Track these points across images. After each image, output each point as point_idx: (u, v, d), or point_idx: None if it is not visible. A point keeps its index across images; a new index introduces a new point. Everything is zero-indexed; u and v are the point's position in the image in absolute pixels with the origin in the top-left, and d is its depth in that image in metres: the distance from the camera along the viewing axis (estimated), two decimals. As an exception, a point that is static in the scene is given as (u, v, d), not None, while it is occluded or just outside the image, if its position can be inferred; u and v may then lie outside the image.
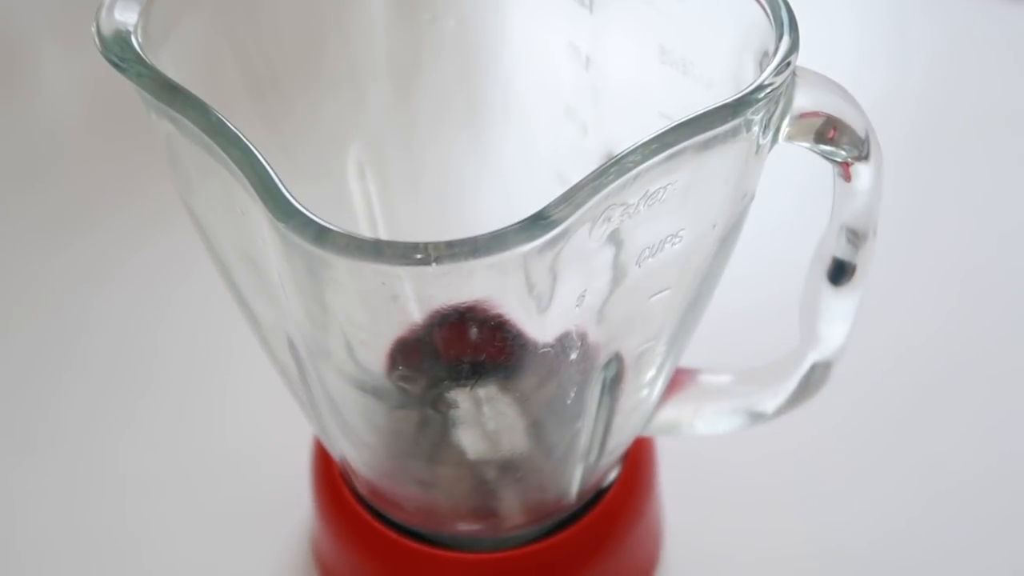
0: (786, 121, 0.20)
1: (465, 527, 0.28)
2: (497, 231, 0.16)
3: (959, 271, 0.43)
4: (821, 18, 0.56)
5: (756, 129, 0.19)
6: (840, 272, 0.24)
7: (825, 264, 0.24)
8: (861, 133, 0.21)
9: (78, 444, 0.36)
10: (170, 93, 0.18)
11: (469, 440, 0.25)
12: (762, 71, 0.18)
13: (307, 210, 0.16)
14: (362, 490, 0.28)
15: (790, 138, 0.21)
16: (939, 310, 0.41)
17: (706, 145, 0.18)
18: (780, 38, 0.19)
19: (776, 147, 0.21)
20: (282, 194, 0.16)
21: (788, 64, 0.19)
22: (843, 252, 0.24)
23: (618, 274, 0.20)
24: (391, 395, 0.24)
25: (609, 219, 0.18)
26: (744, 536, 0.33)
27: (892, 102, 0.51)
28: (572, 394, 0.24)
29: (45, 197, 0.46)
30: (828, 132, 0.21)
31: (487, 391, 0.24)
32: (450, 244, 0.16)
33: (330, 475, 0.29)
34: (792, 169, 0.29)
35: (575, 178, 0.17)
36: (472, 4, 0.28)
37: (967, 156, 0.49)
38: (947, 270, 0.43)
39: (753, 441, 0.31)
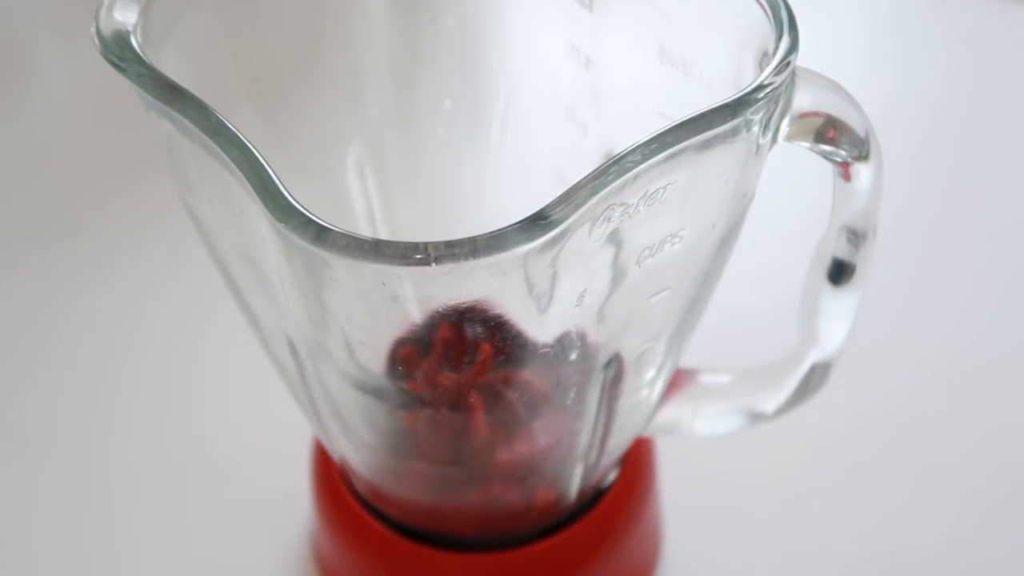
0: (786, 121, 0.20)
1: (465, 527, 0.28)
2: (497, 231, 0.16)
3: (961, 271, 0.43)
4: (825, 20, 0.56)
5: (756, 129, 0.19)
6: (840, 272, 0.24)
7: (825, 264, 0.24)
8: (861, 133, 0.21)
9: (77, 444, 0.36)
10: (170, 93, 0.18)
11: (468, 440, 0.25)
12: (762, 71, 0.18)
13: (306, 210, 0.16)
14: (362, 490, 0.28)
15: (790, 138, 0.21)
16: (940, 310, 0.41)
17: (706, 145, 0.18)
18: (780, 38, 0.19)
19: (776, 147, 0.21)
20: (281, 194, 0.16)
21: (788, 64, 0.19)
22: (843, 252, 0.24)
23: (618, 274, 0.20)
24: (391, 395, 0.24)
25: (609, 219, 0.18)
26: (744, 536, 0.33)
27: (895, 102, 0.51)
28: (572, 394, 0.24)
29: (44, 196, 0.46)
30: (828, 132, 0.21)
31: (487, 391, 0.24)
32: (450, 244, 0.16)
33: (330, 475, 0.29)
34: (792, 169, 0.29)
35: (575, 178, 0.17)
36: (472, 4, 0.28)
37: (971, 156, 0.49)
38: (949, 270, 0.43)
39: (753, 441, 0.31)
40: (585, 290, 0.20)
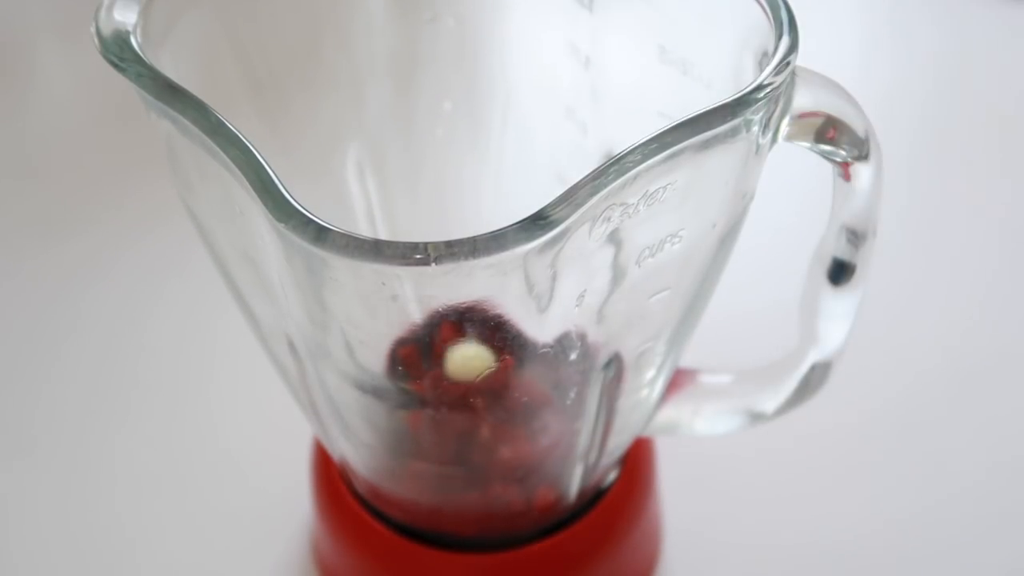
0: (786, 121, 0.20)
1: (465, 527, 0.28)
2: (497, 231, 0.16)
3: (960, 271, 0.43)
4: (824, 19, 0.56)
5: (756, 129, 0.19)
6: (840, 272, 0.24)
7: (825, 264, 0.24)
8: (861, 133, 0.21)
9: (76, 443, 0.36)
10: (170, 93, 0.18)
11: (469, 440, 0.25)
12: (762, 71, 0.18)
13: (306, 210, 0.16)
14: (362, 490, 0.28)
15: (790, 138, 0.21)
16: (940, 310, 0.41)
17: (706, 145, 0.18)
18: (780, 38, 0.19)
19: (776, 147, 0.21)
20: (281, 194, 0.16)
21: (787, 64, 0.19)
22: (843, 252, 0.24)
23: (618, 274, 0.20)
24: (391, 395, 0.24)
25: (609, 219, 0.18)
26: (744, 536, 0.33)
27: (894, 102, 0.51)
28: (572, 394, 0.24)
29: (43, 196, 0.46)
30: (828, 132, 0.21)
31: (487, 391, 0.24)
32: (450, 244, 0.16)
33: (330, 475, 0.29)
34: (792, 169, 0.29)
35: (575, 178, 0.17)
36: (472, 4, 0.28)
37: (969, 156, 0.49)
38: (949, 270, 0.43)
39: (753, 441, 0.31)
40: (585, 290, 0.20)
